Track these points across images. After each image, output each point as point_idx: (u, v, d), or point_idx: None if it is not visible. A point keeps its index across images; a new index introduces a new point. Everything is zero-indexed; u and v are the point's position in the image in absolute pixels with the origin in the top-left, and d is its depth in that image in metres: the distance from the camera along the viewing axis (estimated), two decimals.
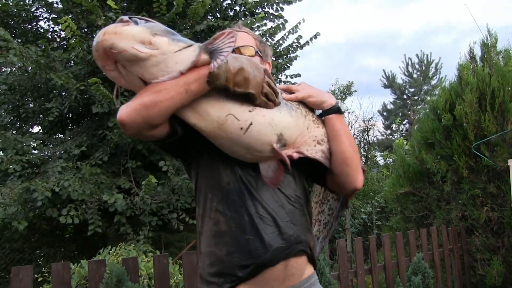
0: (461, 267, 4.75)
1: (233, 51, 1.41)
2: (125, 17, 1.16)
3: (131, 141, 5.77)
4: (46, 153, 6.54)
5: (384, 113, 23.01)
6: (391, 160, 9.93)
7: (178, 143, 1.36)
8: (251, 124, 1.24)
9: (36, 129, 7.56)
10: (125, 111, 1.18)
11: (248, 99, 1.24)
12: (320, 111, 1.47)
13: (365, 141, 13.14)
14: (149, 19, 1.20)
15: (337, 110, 1.44)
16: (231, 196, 1.36)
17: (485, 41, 5.19)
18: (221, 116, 1.22)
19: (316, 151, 1.39)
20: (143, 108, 1.17)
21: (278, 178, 1.33)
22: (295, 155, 1.34)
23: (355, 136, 15.05)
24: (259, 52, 1.54)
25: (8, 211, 5.36)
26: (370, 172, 9.97)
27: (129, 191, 5.75)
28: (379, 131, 20.94)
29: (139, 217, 5.57)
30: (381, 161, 12.09)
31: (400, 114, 22.08)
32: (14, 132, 6.96)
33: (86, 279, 3.76)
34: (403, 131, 20.62)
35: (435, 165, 4.85)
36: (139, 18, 1.18)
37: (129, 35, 1.10)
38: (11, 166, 5.84)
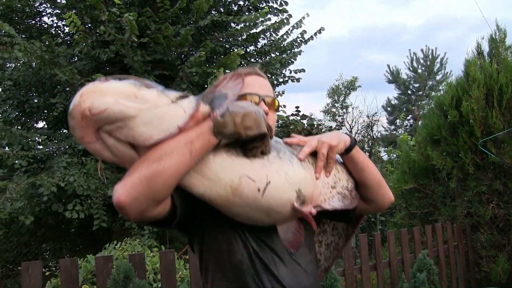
0: (466, 264, 4.74)
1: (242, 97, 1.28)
2: (105, 77, 1.01)
3: None
4: (51, 148, 6.57)
5: (388, 109, 22.93)
6: (395, 155, 9.90)
7: (183, 219, 1.18)
8: (268, 183, 1.09)
9: (40, 124, 7.60)
10: (123, 191, 0.97)
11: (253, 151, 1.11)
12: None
13: (369, 136, 13.14)
14: (132, 76, 1.04)
15: (355, 143, 1.34)
16: (243, 278, 1.20)
17: (494, 36, 5.14)
18: (234, 179, 1.06)
19: (332, 198, 1.27)
20: (144, 182, 0.97)
21: (299, 241, 1.20)
22: (314, 211, 1.20)
23: (358, 131, 15.05)
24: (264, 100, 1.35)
25: (14, 206, 5.40)
26: None
27: None
28: (383, 127, 20.91)
29: None
30: (385, 157, 12.06)
31: (405, 109, 22.00)
32: (19, 127, 6.99)
33: (92, 273, 3.78)
34: (407, 127, 20.56)
35: (441, 162, 4.83)
36: (121, 76, 1.02)
37: (111, 90, 0.94)
38: (17, 162, 5.87)
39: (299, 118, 7.79)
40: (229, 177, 1.06)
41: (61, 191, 5.38)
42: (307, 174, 1.20)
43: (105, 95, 0.93)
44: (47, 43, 5.89)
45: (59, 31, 7.41)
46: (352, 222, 1.52)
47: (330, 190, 1.27)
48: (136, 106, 0.95)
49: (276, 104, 1.37)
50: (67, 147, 6.31)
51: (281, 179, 1.12)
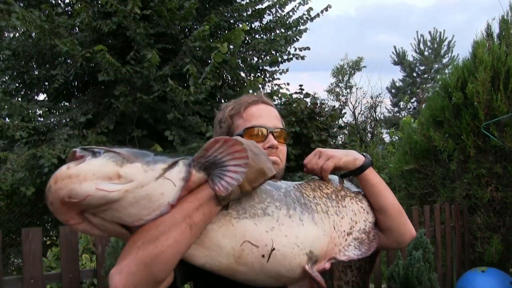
0: (461, 244, 4.79)
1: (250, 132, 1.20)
2: (77, 150, 0.88)
3: (137, 110, 5.77)
4: (52, 120, 6.56)
5: (393, 90, 22.84)
6: (397, 137, 9.90)
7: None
8: (273, 249, 0.99)
9: (41, 97, 7.58)
10: (120, 279, 0.85)
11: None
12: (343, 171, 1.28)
13: (371, 117, 13.10)
14: (108, 148, 0.90)
15: (371, 163, 1.26)
16: None
17: (505, 17, 5.05)
18: (236, 247, 0.96)
19: (348, 246, 1.16)
20: (142, 268, 0.85)
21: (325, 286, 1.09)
22: (328, 266, 1.11)
23: (361, 112, 15.01)
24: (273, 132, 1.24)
25: (16, 177, 5.42)
26: (375, 148, 9.96)
27: None
28: (386, 108, 20.87)
29: None
30: (387, 138, 12.05)
31: (409, 92, 21.91)
32: (19, 99, 6.96)
33: (93, 243, 3.83)
34: (411, 109, 20.50)
35: (443, 143, 4.82)
36: (96, 148, 0.90)
37: (89, 174, 0.81)
38: (17, 133, 5.87)
39: (302, 96, 7.76)
40: (230, 244, 0.96)
41: (62, 163, 5.34)
42: (319, 230, 1.09)
43: (82, 180, 0.81)
44: (46, 13, 5.81)
45: (59, 1, 7.30)
46: (367, 261, 1.40)
47: (346, 238, 1.17)
48: (120, 188, 0.82)
49: (285, 134, 1.26)
50: (68, 119, 6.30)
51: (290, 244, 1.02)
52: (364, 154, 1.27)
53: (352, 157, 1.24)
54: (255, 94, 1.30)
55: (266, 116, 1.23)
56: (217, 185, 0.91)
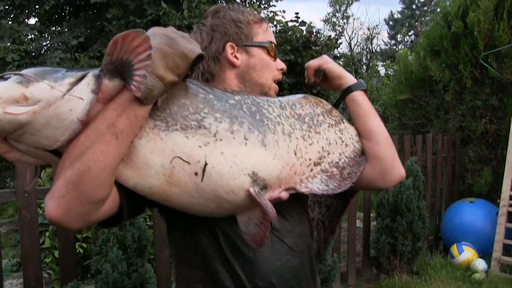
0: (451, 175, 4.88)
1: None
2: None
3: None
4: (43, 44, 6.43)
5: (390, 23, 22.37)
6: (392, 70, 9.82)
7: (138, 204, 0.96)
8: (206, 165, 0.88)
9: (32, 20, 7.38)
10: (51, 204, 0.80)
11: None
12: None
13: (367, 49, 12.90)
14: (18, 71, 0.81)
15: (363, 87, 1.17)
16: (211, 263, 1.04)
17: None
18: (165, 164, 0.87)
19: (313, 178, 1.04)
20: (72, 188, 0.79)
21: (262, 235, 0.95)
22: (284, 195, 0.99)
23: (358, 43, 14.77)
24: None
25: None
26: (370, 81, 9.90)
27: None
28: (383, 41, 20.52)
29: None
30: (382, 71, 11.95)
31: (407, 24, 21.46)
32: (9, 22, 6.77)
33: None
34: (408, 43, 20.18)
35: (439, 74, 4.78)
36: (7, 74, 0.81)
37: None
38: (9, 55, 5.76)
39: (298, 24, 7.57)
40: (160, 161, 0.86)
41: None
42: (267, 152, 0.96)
43: None
44: None
45: None
46: (340, 201, 1.29)
47: (312, 168, 1.04)
48: (27, 110, 0.77)
49: None
50: (60, 43, 6.17)
51: (226, 162, 0.90)
52: (360, 80, 1.19)
53: (341, 73, 1.16)
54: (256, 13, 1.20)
55: (273, 35, 1.18)
56: (129, 86, 0.81)
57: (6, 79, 0.79)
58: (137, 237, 2.35)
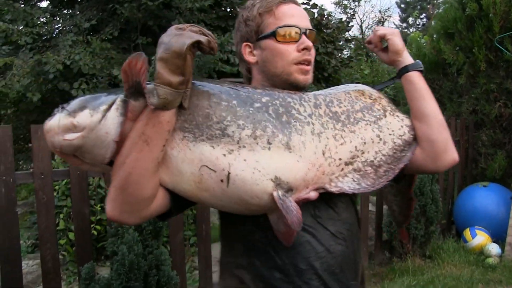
0: (464, 159, 4.84)
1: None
2: (55, 109, 0.99)
3: (141, 17, 5.63)
4: (56, 26, 6.45)
5: (402, 5, 22.03)
6: None
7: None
8: (229, 173, 0.94)
9: (44, 4, 7.38)
10: (108, 207, 0.96)
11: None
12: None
13: None
14: (71, 101, 0.98)
15: (420, 67, 1.16)
16: (255, 248, 1.07)
17: None
18: (195, 172, 0.95)
19: (344, 177, 1.04)
20: (119, 192, 0.93)
21: (291, 234, 0.99)
22: (313, 195, 1.00)
23: (369, 26, 14.59)
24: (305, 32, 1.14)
25: (22, 83, 5.43)
26: (381, 64, 9.81)
27: None
28: (394, 24, 20.26)
29: None
30: None
31: (419, 7, 21.14)
32: (22, 4, 6.78)
33: None
34: (420, 26, 19.91)
35: (452, 57, 4.72)
36: (67, 103, 0.98)
37: (55, 128, 0.95)
38: (22, 39, 5.79)
39: (309, 7, 7.51)
40: (190, 170, 0.95)
41: (67, 70, 5.37)
42: (291, 155, 0.98)
43: (54, 134, 0.95)
44: None
45: None
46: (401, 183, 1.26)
47: (342, 168, 1.03)
48: (77, 135, 0.93)
49: (314, 36, 1.17)
50: (71, 26, 6.19)
51: (249, 168, 0.94)
52: (417, 60, 1.17)
53: (402, 50, 1.15)
54: None
55: (298, 16, 1.15)
56: (148, 100, 0.90)
57: (62, 109, 0.96)
58: (153, 219, 2.37)
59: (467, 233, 4.20)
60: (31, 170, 2.36)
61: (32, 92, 5.52)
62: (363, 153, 1.06)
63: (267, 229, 1.03)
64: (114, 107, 0.94)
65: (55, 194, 3.39)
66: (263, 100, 1.01)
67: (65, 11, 7.12)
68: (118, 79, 5.33)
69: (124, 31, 5.98)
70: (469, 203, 4.36)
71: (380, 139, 1.09)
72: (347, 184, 1.02)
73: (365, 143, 1.06)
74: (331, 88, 1.16)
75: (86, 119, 0.93)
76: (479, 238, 4.10)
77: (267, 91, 1.05)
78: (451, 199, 4.69)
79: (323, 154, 1.01)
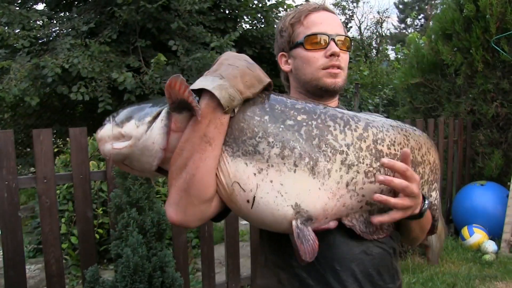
0: (462, 159, 4.88)
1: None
2: (106, 118, 1.06)
3: (140, 20, 5.63)
4: (53, 30, 6.42)
5: (400, 6, 22.12)
6: (402, 54, 9.74)
7: None
8: (255, 197, 0.95)
9: (40, 6, 7.35)
10: (171, 212, 0.98)
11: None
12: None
13: (377, 33, 12.80)
14: (118, 111, 1.05)
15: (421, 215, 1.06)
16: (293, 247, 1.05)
17: None
18: (228, 185, 0.96)
19: (360, 215, 1.03)
20: (183, 194, 0.95)
21: (312, 251, 0.95)
22: (333, 225, 1.00)
23: (367, 27, 14.63)
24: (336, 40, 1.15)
25: (20, 87, 5.42)
26: (380, 65, 9.83)
27: (138, 70, 5.74)
28: (393, 24, 20.34)
29: (148, 96, 5.62)
30: (392, 55, 11.87)
31: (417, 8, 21.23)
32: (17, 7, 6.75)
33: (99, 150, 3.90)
34: (418, 26, 19.97)
35: (450, 57, 4.76)
36: (115, 113, 1.05)
37: (105, 137, 1.02)
38: (19, 42, 5.77)
39: None
40: (225, 181, 0.97)
41: (66, 73, 5.35)
42: (314, 182, 0.95)
43: (104, 143, 1.02)
44: None
45: None
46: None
47: (362, 206, 1.01)
48: (126, 145, 1.00)
49: (348, 42, 1.17)
50: (69, 29, 6.17)
51: (273, 192, 0.94)
52: (425, 198, 1.06)
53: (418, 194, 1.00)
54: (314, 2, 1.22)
55: (327, 23, 1.16)
56: (194, 112, 0.94)
57: (111, 119, 1.03)
58: (156, 221, 2.39)
59: (465, 231, 4.24)
60: (31, 174, 2.37)
61: (30, 96, 5.49)
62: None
63: None
64: (159, 118, 0.98)
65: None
66: (299, 118, 0.98)
67: (62, 14, 7.09)
68: (117, 82, 5.32)
69: (122, 34, 5.96)
70: (467, 201, 4.40)
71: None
72: (359, 224, 1.02)
73: (392, 191, 1.00)
74: (399, 122, 1.10)
75: (133, 130, 0.99)
76: (477, 235, 4.15)
77: (309, 108, 1.01)
78: (450, 198, 4.72)
79: (347, 185, 0.97)
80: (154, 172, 1.04)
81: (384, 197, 0.95)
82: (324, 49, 1.13)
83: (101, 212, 3.63)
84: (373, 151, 0.99)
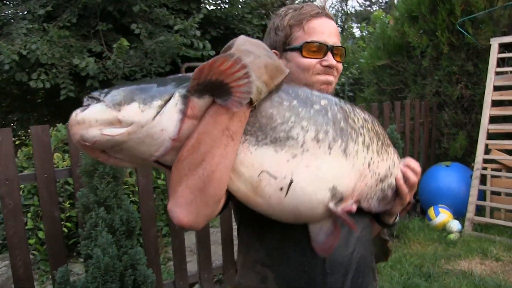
0: (428, 140, 4.98)
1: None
2: (85, 98, 0.89)
3: (100, 2, 5.42)
4: (7, 12, 6.12)
5: None
6: (367, 32, 9.79)
7: None
8: (291, 182, 0.90)
9: None
10: (181, 212, 0.88)
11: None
12: None
13: (342, 11, 12.79)
14: (108, 90, 0.89)
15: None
16: (283, 247, 1.06)
17: None
18: (253, 177, 0.90)
19: (374, 195, 1.05)
20: (198, 193, 0.86)
21: (331, 244, 0.98)
22: (354, 208, 0.99)
23: (332, 5, 14.61)
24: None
25: None
26: (345, 43, 9.87)
27: (100, 55, 5.56)
28: (357, 2, 20.35)
29: (112, 81, 5.46)
30: (357, 33, 11.92)
31: None
32: None
33: (63, 142, 3.79)
34: (383, 4, 20.08)
35: (416, 40, 4.80)
36: (100, 92, 0.88)
37: (92, 120, 0.84)
38: None
39: None
40: (248, 173, 0.90)
41: (24, 60, 5.13)
42: (348, 163, 0.96)
43: (88, 127, 0.83)
44: None
45: None
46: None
47: (377, 184, 1.04)
48: (122, 131, 0.84)
49: (342, 52, 1.17)
50: (25, 12, 5.89)
51: (310, 176, 0.91)
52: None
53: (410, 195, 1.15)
54: (315, 4, 1.17)
55: (328, 32, 1.14)
56: (226, 102, 0.85)
57: (98, 99, 0.85)
58: (125, 219, 2.34)
59: (431, 211, 4.35)
60: None
61: None
62: (391, 175, 1.08)
63: (287, 229, 1.03)
64: (172, 102, 0.86)
65: (20, 192, 3.28)
66: (322, 103, 0.97)
67: None
68: (79, 68, 5.14)
69: (82, 17, 5.74)
70: (433, 182, 4.50)
71: (398, 168, 1.11)
72: (373, 202, 1.05)
73: (394, 166, 1.08)
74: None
75: (135, 115, 0.84)
76: (442, 215, 4.27)
77: (324, 94, 1.01)
78: None
79: (369, 166, 1.01)
80: (151, 163, 0.92)
81: (402, 182, 1.09)
82: (321, 59, 1.13)
83: (68, 205, 3.54)
84: (374, 130, 1.05)
